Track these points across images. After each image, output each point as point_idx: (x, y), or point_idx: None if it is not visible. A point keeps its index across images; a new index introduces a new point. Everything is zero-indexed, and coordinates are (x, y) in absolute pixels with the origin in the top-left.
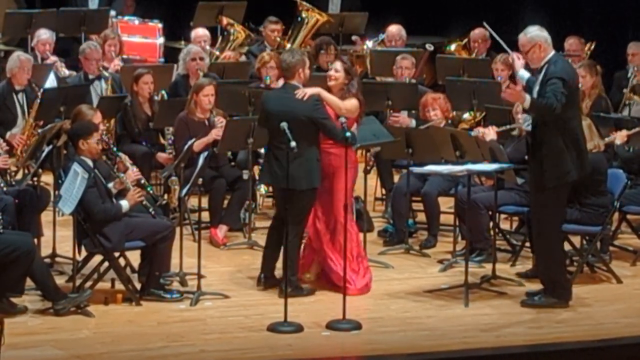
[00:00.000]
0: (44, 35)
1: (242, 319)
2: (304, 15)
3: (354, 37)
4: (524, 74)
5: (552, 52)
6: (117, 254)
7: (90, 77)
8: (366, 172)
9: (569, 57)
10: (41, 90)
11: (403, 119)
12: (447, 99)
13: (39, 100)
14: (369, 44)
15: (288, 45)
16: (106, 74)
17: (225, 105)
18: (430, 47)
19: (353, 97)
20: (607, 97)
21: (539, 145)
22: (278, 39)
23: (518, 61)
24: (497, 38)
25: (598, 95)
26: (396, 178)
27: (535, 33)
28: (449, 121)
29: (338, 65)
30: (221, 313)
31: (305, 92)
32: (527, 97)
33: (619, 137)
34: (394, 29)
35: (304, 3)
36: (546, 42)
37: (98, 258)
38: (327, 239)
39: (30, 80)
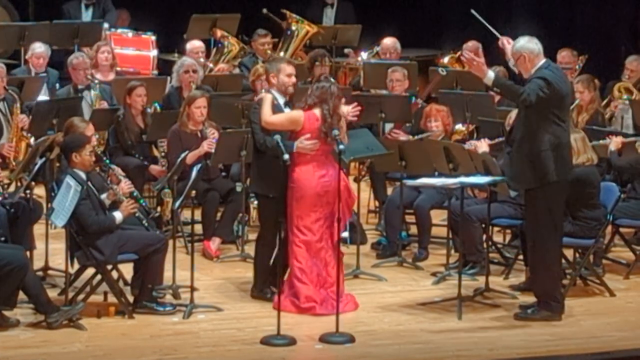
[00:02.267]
0: (39, 49)
1: (235, 331)
2: (293, 27)
3: (346, 50)
4: None
5: (542, 61)
6: (109, 267)
7: (80, 87)
8: (358, 181)
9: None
10: (19, 97)
11: (403, 135)
12: (450, 113)
13: (18, 106)
14: (364, 55)
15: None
16: (95, 82)
17: (219, 117)
18: (443, 72)
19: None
20: (603, 112)
21: (520, 145)
22: (269, 52)
23: (508, 46)
24: (486, 24)
25: (595, 110)
26: (389, 190)
27: (520, 44)
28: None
29: None
30: (214, 326)
31: (260, 97)
32: (490, 72)
33: (614, 143)
34: (389, 41)
35: (294, 15)
36: (532, 53)
37: (90, 271)
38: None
39: (6, 87)
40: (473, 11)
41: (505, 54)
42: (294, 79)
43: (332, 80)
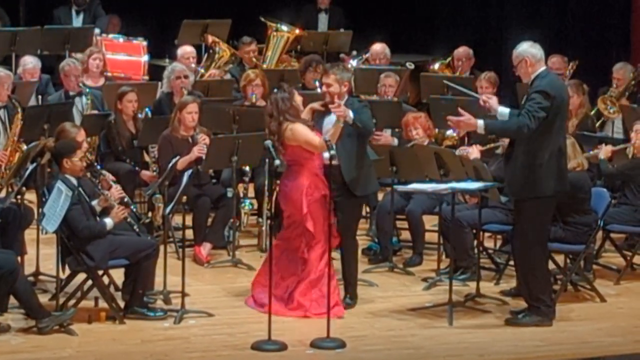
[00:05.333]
0: (30, 64)
1: (226, 337)
2: (272, 37)
3: (341, 56)
4: (503, 111)
5: (543, 68)
6: (100, 272)
7: (71, 93)
8: None
9: None
10: (21, 106)
11: (385, 137)
12: (428, 117)
13: (19, 116)
14: (353, 63)
15: (264, 66)
16: (87, 89)
17: (210, 123)
18: (411, 66)
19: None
20: (593, 116)
21: (518, 154)
22: (254, 59)
23: (490, 101)
24: (463, 90)
25: (585, 114)
26: (380, 196)
27: (522, 48)
28: (434, 139)
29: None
30: (205, 331)
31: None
32: (480, 122)
33: (604, 151)
34: (378, 47)
35: (272, 24)
36: (534, 58)
37: (82, 276)
38: None
39: (10, 96)
40: (446, 81)
41: (490, 109)
42: (325, 89)
43: (277, 91)
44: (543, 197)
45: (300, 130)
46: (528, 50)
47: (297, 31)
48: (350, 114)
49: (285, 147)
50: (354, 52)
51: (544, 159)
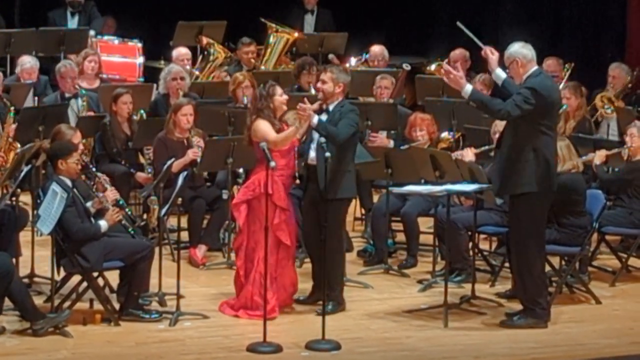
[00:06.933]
0: (27, 64)
1: (221, 339)
2: (272, 38)
3: (330, 56)
4: (500, 74)
5: (534, 68)
6: (95, 274)
7: (67, 95)
8: None
9: None
10: (12, 104)
11: (381, 139)
12: (434, 121)
13: (11, 114)
14: (353, 62)
15: (263, 67)
16: (82, 91)
17: (205, 125)
18: (407, 67)
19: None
20: (590, 119)
21: (506, 151)
22: (252, 60)
23: (492, 56)
24: (471, 35)
25: (582, 117)
26: (375, 198)
27: (513, 49)
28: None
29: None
30: (200, 333)
31: None
32: (468, 86)
33: (598, 156)
34: (377, 49)
35: (273, 25)
36: (525, 58)
37: (77, 278)
38: None
39: (0, 95)
40: (459, 23)
41: (489, 65)
42: (319, 85)
43: (262, 86)
44: (529, 194)
45: (260, 127)
46: (519, 50)
47: (297, 33)
48: (315, 119)
49: (253, 142)
50: (331, 56)
51: (528, 157)
